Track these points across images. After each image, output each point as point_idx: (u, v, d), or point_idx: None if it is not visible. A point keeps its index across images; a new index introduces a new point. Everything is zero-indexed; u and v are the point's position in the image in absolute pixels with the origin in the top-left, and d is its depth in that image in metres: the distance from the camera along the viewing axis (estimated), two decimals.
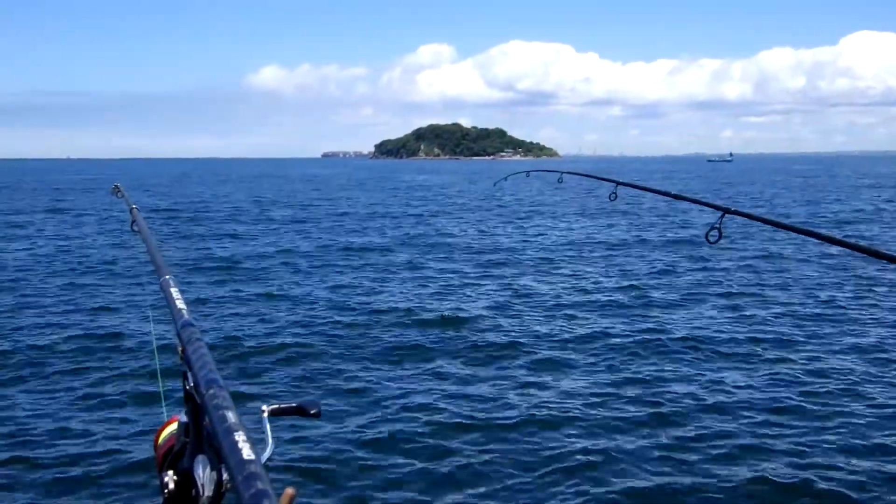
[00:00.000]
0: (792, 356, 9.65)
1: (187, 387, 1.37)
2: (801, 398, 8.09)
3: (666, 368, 9.19)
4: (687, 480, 6.17)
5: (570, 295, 13.94)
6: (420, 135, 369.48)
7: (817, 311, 12.36)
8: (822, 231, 3.74)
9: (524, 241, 22.97)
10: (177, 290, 1.73)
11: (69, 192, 54.58)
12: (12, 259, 18.69)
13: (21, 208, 37.31)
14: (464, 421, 7.41)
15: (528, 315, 12.21)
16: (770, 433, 7.11)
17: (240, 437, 0.93)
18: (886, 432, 7.09)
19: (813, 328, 11.18)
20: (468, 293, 14.16)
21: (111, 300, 13.24)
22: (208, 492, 1.34)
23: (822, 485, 6.06)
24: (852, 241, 3.68)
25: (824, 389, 8.36)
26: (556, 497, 5.92)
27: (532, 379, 8.78)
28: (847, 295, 13.57)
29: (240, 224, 28.82)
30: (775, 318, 11.82)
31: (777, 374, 8.92)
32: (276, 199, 44.97)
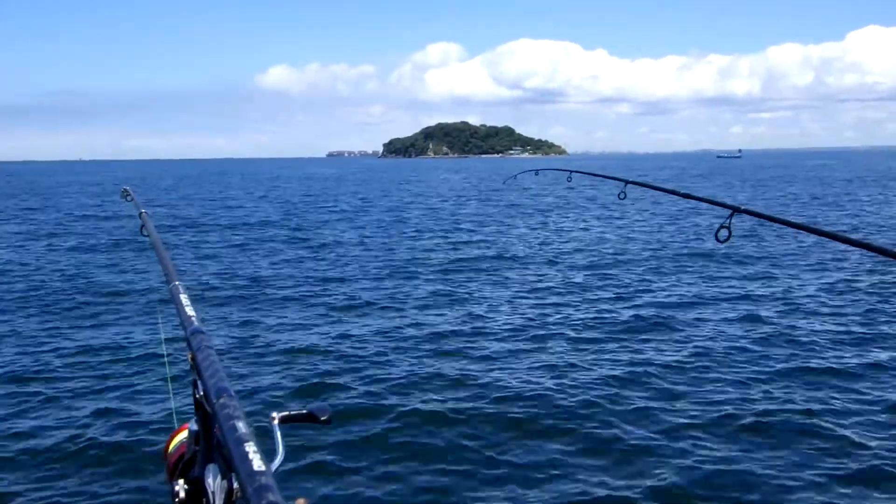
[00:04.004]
0: (802, 357, 9.58)
1: (197, 395, 1.37)
2: (810, 397, 8.03)
3: (672, 366, 9.14)
4: (697, 475, 6.14)
5: (575, 294, 13.89)
6: (429, 133, 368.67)
7: (828, 309, 12.25)
8: (829, 230, 3.70)
9: (536, 239, 22.92)
10: (186, 296, 1.71)
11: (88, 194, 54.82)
12: (20, 264, 18.80)
13: (33, 211, 37.57)
14: (479, 424, 7.33)
15: (540, 314, 12.16)
16: (778, 431, 7.07)
17: (250, 447, 0.93)
18: None
19: (825, 328, 11.09)
20: (479, 293, 14.13)
21: (119, 307, 13.23)
22: (219, 501, 1.33)
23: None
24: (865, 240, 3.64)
25: (838, 390, 8.31)
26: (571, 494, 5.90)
27: (549, 380, 8.74)
28: (857, 294, 13.44)
29: (262, 229, 28.89)
30: (786, 317, 11.73)
31: (785, 373, 8.85)
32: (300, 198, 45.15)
